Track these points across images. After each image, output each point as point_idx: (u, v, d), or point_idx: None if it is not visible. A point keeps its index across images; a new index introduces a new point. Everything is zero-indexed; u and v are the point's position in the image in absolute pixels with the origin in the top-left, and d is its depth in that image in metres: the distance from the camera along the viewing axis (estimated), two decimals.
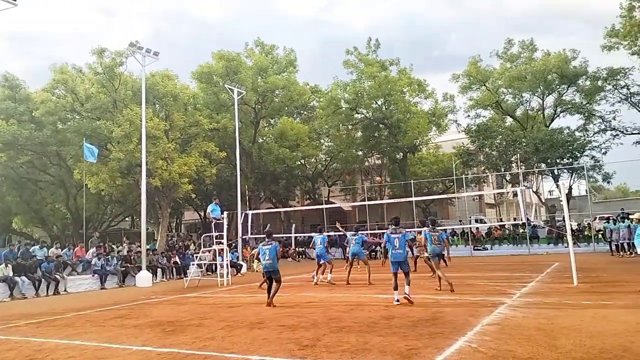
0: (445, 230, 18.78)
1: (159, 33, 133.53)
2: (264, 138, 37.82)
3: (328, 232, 23.88)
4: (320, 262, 15.32)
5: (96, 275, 18.50)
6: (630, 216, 19.42)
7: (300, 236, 33.03)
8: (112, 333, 8.48)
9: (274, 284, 10.86)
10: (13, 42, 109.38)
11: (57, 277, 17.06)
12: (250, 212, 24.55)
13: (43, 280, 16.58)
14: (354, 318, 8.70)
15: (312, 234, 33.78)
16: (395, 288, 9.80)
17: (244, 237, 24.65)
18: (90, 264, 18.85)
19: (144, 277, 18.80)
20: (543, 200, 38.04)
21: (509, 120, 35.60)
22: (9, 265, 16.14)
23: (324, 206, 32.83)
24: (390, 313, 8.90)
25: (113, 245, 22.35)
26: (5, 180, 30.27)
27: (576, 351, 5.72)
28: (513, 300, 9.93)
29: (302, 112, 39.44)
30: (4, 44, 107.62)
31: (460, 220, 36.76)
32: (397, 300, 9.71)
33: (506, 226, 32.40)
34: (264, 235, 11.53)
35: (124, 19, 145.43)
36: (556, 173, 31.51)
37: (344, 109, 36.03)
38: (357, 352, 6.17)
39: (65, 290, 17.14)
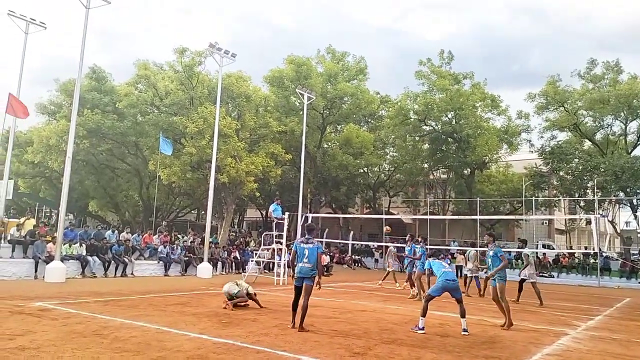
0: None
1: (232, 34, 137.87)
2: (329, 144, 38.10)
3: (386, 243, 23.56)
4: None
5: (161, 262, 19.45)
6: None
7: (357, 244, 32.88)
8: (172, 318, 8.86)
9: (301, 299, 8.08)
10: (103, 36, 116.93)
11: (126, 260, 18.04)
12: (310, 215, 24.80)
13: (113, 261, 17.61)
14: (407, 332, 8.58)
15: (369, 243, 33.65)
16: (424, 314, 8.56)
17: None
18: (157, 251, 19.81)
19: (204, 269, 19.50)
20: (618, 231, 35.75)
21: (587, 144, 33.83)
22: (83, 244, 17.30)
23: (384, 216, 32.56)
24: (445, 331, 8.71)
25: (179, 235, 23.28)
26: (86, 165, 32.33)
27: None
28: (577, 333, 9.44)
29: (369, 120, 39.37)
30: (96, 38, 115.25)
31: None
32: (422, 329, 8.46)
33: (576, 254, 30.76)
34: (306, 230, 8.57)
35: (200, 18, 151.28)
36: (635, 203, 29.60)
37: (412, 119, 35.59)
38: None
39: (132, 274, 18.09)
